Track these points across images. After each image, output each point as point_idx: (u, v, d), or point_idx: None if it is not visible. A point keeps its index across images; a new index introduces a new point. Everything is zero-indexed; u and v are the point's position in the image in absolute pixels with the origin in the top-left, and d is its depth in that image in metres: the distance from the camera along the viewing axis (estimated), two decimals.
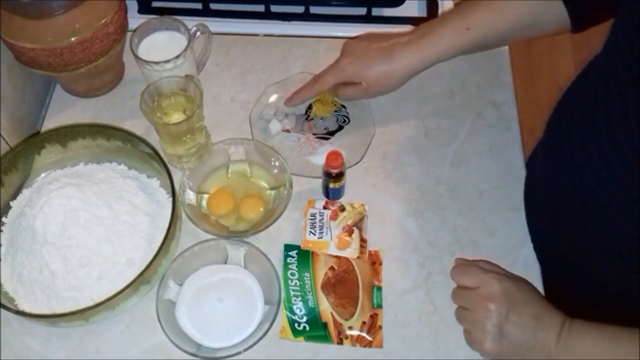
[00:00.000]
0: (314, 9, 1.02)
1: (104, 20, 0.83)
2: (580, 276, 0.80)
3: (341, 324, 0.75)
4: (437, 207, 0.84)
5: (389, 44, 0.82)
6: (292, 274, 0.78)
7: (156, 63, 0.83)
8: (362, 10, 1.02)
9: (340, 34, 1.01)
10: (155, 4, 1.04)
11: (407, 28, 1.02)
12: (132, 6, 1.01)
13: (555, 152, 0.77)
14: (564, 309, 0.69)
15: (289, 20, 1.03)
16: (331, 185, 0.81)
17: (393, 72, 0.82)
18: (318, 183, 0.85)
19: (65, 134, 0.82)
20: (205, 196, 0.83)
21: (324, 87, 0.87)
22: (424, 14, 1.03)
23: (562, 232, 0.78)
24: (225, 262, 0.79)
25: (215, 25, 0.97)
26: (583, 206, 0.72)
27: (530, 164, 0.89)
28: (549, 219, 0.81)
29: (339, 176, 0.80)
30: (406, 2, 1.00)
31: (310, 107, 0.92)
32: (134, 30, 0.86)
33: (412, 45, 0.81)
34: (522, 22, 0.78)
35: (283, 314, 0.75)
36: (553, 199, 0.79)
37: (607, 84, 0.65)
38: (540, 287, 0.78)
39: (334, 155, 0.78)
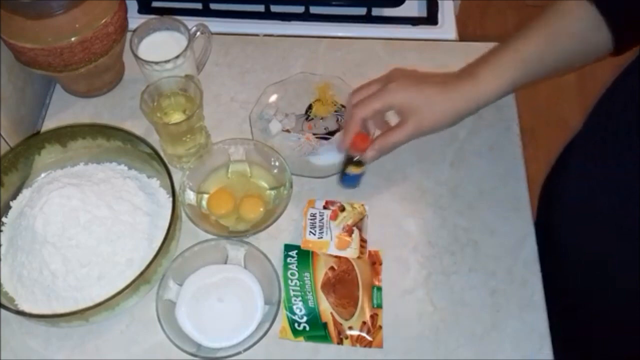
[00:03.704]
0: (314, 9, 1.02)
1: (104, 20, 0.83)
2: (603, 289, 0.79)
3: (341, 324, 0.75)
4: (437, 207, 0.84)
5: (442, 79, 0.75)
6: (292, 274, 0.78)
7: (156, 63, 0.83)
8: (362, 10, 1.02)
9: (340, 34, 1.02)
10: (155, 4, 1.04)
11: (407, 28, 1.02)
12: (132, 6, 1.01)
13: (593, 165, 0.76)
14: (570, 314, 0.69)
15: (289, 20, 1.03)
16: (352, 172, 0.76)
17: (451, 109, 0.74)
18: (318, 183, 0.85)
19: (65, 134, 0.82)
20: (205, 196, 0.83)
21: (368, 112, 0.75)
22: (424, 14, 1.03)
23: (595, 249, 0.78)
24: (225, 262, 0.79)
25: (215, 25, 0.97)
26: (622, 219, 0.72)
27: (555, 178, 0.89)
28: (580, 236, 0.80)
29: (360, 161, 0.76)
30: (406, 2, 1.00)
31: (310, 107, 0.92)
32: (134, 30, 0.86)
33: (468, 82, 0.74)
34: (572, 49, 0.74)
35: (283, 314, 0.75)
36: (588, 212, 0.78)
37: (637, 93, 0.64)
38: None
39: (361, 137, 0.73)
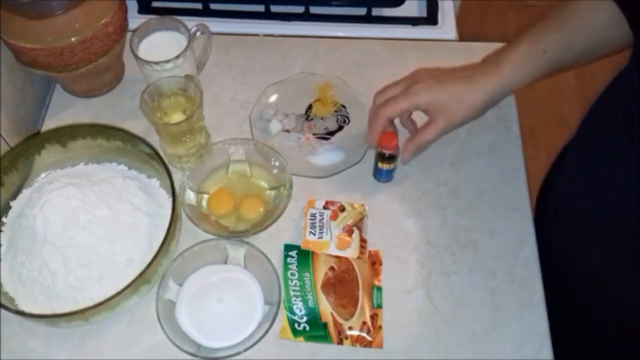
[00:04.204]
0: (314, 9, 1.02)
1: (104, 20, 0.83)
2: (600, 289, 0.79)
3: (341, 324, 0.75)
4: (437, 207, 0.84)
5: (464, 73, 0.77)
6: (292, 274, 0.78)
7: (156, 63, 0.83)
8: (362, 10, 1.02)
9: (340, 34, 1.02)
10: (155, 4, 1.04)
11: (407, 28, 1.02)
12: (132, 6, 1.01)
13: (589, 167, 0.76)
14: (572, 322, 0.69)
15: (289, 20, 1.03)
16: (384, 167, 0.82)
17: (477, 101, 0.76)
18: (318, 183, 0.85)
19: (65, 134, 0.82)
20: (205, 196, 0.83)
21: (394, 112, 0.78)
22: (424, 14, 1.03)
23: (590, 249, 0.78)
24: (225, 262, 0.79)
25: (215, 25, 0.97)
26: (617, 220, 0.71)
27: (553, 178, 0.88)
28: (576, 236, 0.80)
29: (392, 158, 0.80)
30: (406, 2, 1.00)
31: (310, 107, 0.92)
32: (134, 30, 0.86)
33: (491, 73, 0.76)
34: (593, 42, 0.75)
35: (283, 314, 0.75)
36: (584, 213, 0.78)
37: (634, 95, 0.64)
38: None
39: (389, 136, 0.78)
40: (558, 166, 0.90)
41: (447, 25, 1.02)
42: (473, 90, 0.76)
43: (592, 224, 0.76)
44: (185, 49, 0.84)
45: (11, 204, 0.81)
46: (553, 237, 0.84)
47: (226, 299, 0.75)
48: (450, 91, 0.76)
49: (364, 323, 0.75)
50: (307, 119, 0.92)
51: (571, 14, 0.75)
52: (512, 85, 0.76)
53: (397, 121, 0.84)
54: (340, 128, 0.91)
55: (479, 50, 0.93)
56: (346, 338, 0.74)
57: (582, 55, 0.77)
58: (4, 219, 0.80)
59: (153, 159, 0.80)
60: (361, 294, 0.76)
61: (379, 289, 0.78)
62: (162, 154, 0.80)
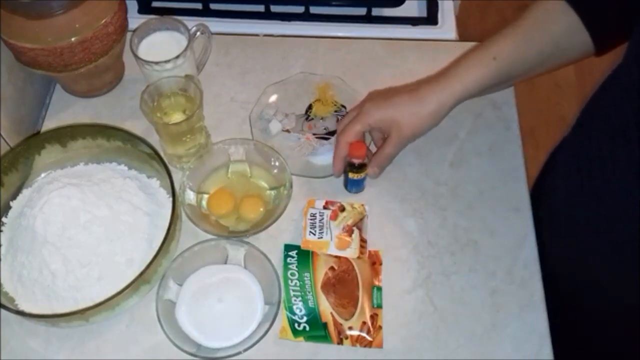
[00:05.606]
0: (314, 9, 1.02)
1: (104, 20, 0.83)
2: (595, 291, 0.79)
3: (341, 324, 0.75)
4: (437, 207, 0.84)
5: (413, 87, 0.79)
6: (292, 274, 0.78)
7: (156, 63, 0.83)
8: (362, 10, 1.02)
9: (340, 34, 1.02)
10: (155, 4, 1.05)
11: (407, 28, 1.02)
12: (132, 6, 1.01)
13: (583, 170, 0.76)
14: (572, 322, 0.69)
15: (289, 20, 1.03)
16: (355, 177, 0.81)
17: (425, 111, 0.77)
18: (318, 183, 0.85)
19: (65, 134, 0.82)
20: (205, 196, 0.83)
21: (350, 137, 0.80)
22: (424, 14, 1.03)
23: (589, 249, 0.78)
24: (225, 262, 0.79)
25: (215, 25, 0.97)
26: (615, 220, 0.71)
27: (545, 182, 0.89)
28: (571, 239, 0.80)
29: (361, 167, 0.80)
30: (406, 2, 1.00)
31: (310, 107, 0.92)
32: (134, 30, 0.87)
33: (438, 82, 0.77)
34: (548, 50, 0.76)
35: (283, 314, 0.75)
36: (580, 213, 0.78)
37: (628, 96, 0.64)
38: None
39: (357, 145, 0.78)
40: (551, 165, 0.91)
41: (447, 25, 1.02)
42: (419, 101, 0.77)
43: (591, 224, 0.76)
44: (185, 49, 0.84)
45: (11, 204, 0.81)
46: (549, 236, 0.84)
47: (226, 299, 0.75)
48: (397, 105, 0.78)
49: (364, 323, 0.75)
50: (307, 119, 0.92)
51: (527, 27, 0.75)
52: (462, 91, 0.77)
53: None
54: None
55: None
56: (346, 338, 0.74)
57: (539, 63, 0.77)
58: (4, 219, 0.80)
59: (153, 159, 0.80)
60: (361, 294, 0.76)
61: (379, 289, 0.78)
62: (162, 154, 0.80)
